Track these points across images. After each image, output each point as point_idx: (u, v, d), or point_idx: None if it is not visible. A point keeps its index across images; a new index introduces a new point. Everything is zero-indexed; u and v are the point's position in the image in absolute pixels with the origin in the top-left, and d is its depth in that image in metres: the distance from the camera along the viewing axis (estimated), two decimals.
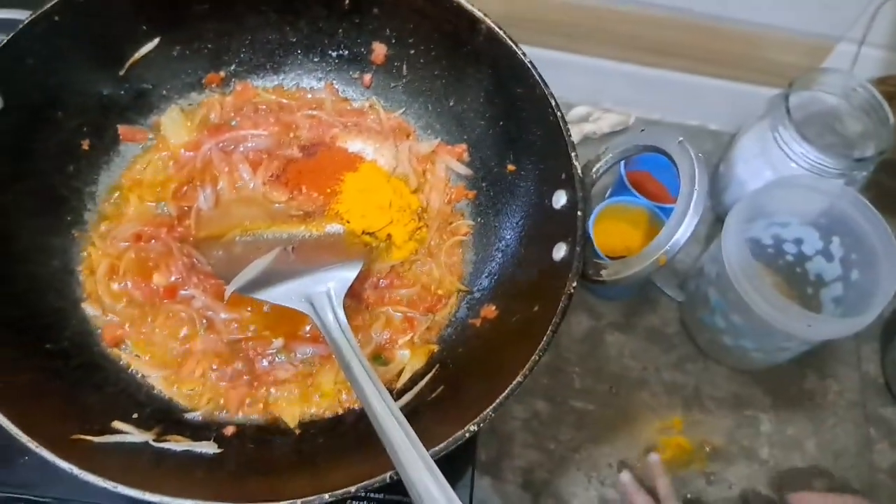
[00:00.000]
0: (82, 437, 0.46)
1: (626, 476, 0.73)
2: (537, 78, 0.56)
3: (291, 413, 0.55)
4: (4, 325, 0.50)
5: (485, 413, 0.46)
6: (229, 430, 0.54)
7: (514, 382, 0.47)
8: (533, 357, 0.48)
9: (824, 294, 0.76)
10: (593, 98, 0.92)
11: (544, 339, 0.48)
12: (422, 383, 0.56)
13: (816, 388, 0.81)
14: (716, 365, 0.81)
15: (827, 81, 0.77)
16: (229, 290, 0.55)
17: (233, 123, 0.64)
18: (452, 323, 0.61)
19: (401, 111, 0.67)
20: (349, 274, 0.55)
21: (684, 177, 0.49)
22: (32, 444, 0.43)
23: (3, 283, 0.52)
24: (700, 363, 0.81)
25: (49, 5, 0.54)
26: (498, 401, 0.46)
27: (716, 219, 0.88)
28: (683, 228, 0.48)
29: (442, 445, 0.45)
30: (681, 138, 0.51)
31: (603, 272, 0.52)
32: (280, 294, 0.54)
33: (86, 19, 0.56)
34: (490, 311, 0.58)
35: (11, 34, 0.53)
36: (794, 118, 0.73)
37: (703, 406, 0.79)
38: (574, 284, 0.50)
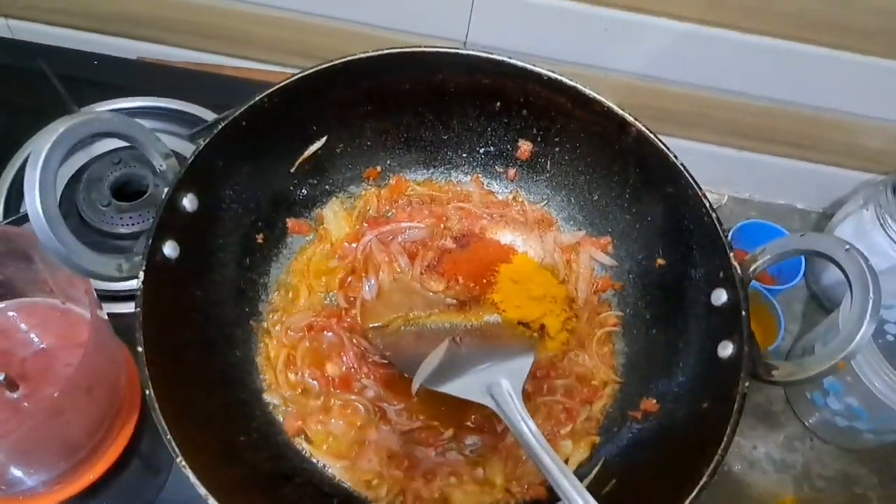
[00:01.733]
0: None
1: None
2: (690, 180, 0.59)
3: (468, 503, 0.56)
4: (201, 423, 0.51)
5: None
6: None
7: (703, 481, 0.49)
8: (716, 457, 0.50)
9: None
10: None
11: (725, 438, 0.50)
12: (591, 475, 0.58)
13: None
14: (822, 444, 0.83)
15: None
16: (416, 384, 0.56)
17: (388, 215, 0.67)
18: (610, 414, 0.62)
19: (543, 203, 0.70)
20: (523, 365, 0.56)
21: (856, 284, 0.52)
22: None
23: (199, 374, 0.54)
24: (807, 441, 0.83)
25: (239, 111, 0.57)
26: (688, 500, 0.48)
27: (810, 296, 0.91)
28: (861, 334, 0.50)
29: None
30: (847, 246, 0.53)
31: (775, 373, 0.54)
32: (461, 387, 0.55)
33: (266, 123, 0.59)
34: (650, 404, 0.59)
35: (206, 140, 0.55)
36: None
37: (813, 485, 0.80)
38: (747, 384, 0.52)
